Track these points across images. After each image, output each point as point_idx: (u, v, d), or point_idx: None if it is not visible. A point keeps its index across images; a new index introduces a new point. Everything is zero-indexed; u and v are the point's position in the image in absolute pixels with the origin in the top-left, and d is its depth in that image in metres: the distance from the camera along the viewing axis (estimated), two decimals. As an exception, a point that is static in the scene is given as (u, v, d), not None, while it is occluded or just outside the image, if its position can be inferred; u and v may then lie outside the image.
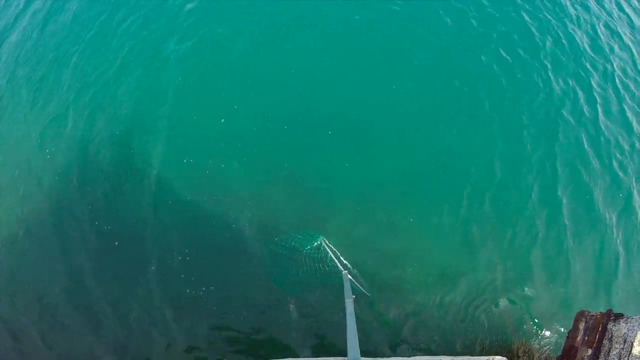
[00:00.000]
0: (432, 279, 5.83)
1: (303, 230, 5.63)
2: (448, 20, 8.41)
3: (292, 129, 6.76)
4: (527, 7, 9.10)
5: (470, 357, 3.24)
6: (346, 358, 2.45)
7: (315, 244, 5.37)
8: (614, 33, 9.41)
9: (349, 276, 4.58)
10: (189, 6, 8.17)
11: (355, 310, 3.30)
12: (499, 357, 3.09)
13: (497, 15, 8.71)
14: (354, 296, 3.65)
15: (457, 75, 7.74)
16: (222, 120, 6.86)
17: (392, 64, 7.66)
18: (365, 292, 5.34)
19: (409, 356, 4.41)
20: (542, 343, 5.63)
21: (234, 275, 5.60)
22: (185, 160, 6.51)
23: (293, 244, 5.54)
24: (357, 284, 5.19)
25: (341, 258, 5.27)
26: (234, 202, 6.10)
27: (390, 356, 4.90)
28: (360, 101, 7.15)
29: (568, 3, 9.51)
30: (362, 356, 4.63)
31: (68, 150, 6.67)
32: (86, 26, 8.11)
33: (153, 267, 5.65)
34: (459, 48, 8.12)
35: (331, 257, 5.13)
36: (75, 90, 7.27)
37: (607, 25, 9.49)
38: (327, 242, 5.31)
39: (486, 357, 3.14)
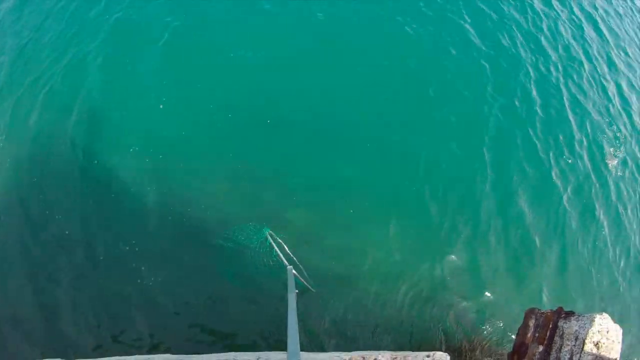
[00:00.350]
0: (379, 276, 5.63)
1: (251, 224, 5.41)
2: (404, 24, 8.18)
3: (241, 122, 6.35)
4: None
5: (411, 352, 2.85)
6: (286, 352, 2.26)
7: (263, 237, 5.22)
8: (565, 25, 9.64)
9: (294, 271, 4.44)
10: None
11: (297, 305, 3.19)
12: (440, 352, 2.76)
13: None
14: (296, 291, 3.55)
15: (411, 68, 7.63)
16: (161, 105, 6.26)
17: (352, 61, 7.37)
18: (310, 288, 5.13)
19: (350, 351, 4.00)
20: (492, 339, 5.46)
21: (183, 267, 5.26)
22: (131, 150, 5.89)
23: (240, 237, 5.35)
24: (301, 279, 4.96)
25: (287, 252, 5.08)
26: (182, 195, 5.69)
27: (332, 351, 4.53)
28: (312, 96, 6.85)
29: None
30: (303, 351, 4.21)
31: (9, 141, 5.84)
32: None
33: (101, 257, 5.18)
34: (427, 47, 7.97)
35: (276, 252, 4.95)
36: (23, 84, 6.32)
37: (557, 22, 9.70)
38: (274, 236, 5.14)
39: (426, 353, 2.75)
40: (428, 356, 2.88)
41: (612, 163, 7.81)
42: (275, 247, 4.95)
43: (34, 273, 4.98)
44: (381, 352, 3.22)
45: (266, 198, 5.85)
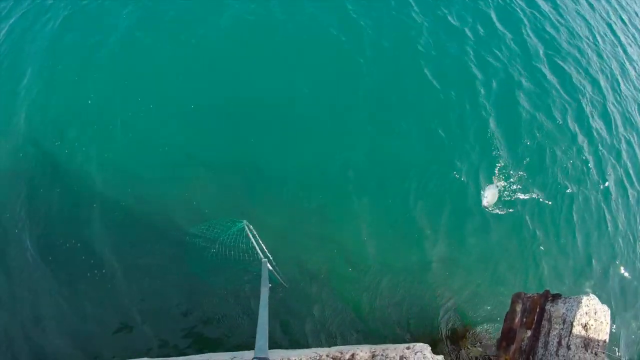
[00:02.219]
0: (356, 269, 5.41)
1: (225, 218, 5.14)
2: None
3: (207, 115, 6.06)
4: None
5: (390, 345, 2.63)
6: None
7: (239, 228, 4.91)
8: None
9: (268, 265, 4.22)
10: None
11: (271, 300, 3.02)
12: (420, 344, 2.56)
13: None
14: (270, 285, 3.35)
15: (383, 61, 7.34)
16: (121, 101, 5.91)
17: (327, 56, 7.07)
18: (283, 283, 4.92)
19: (329, 346, 3.76)
20: (480, 327, 5.32)
21: (153, 267, 4.97)
22: (85, 147, 5.53)
23: (213, 232, 5.10)
24: (275, 273, 4.75)
25: (262, 246, 4.82)
26: (150, 189, 5.40)
27: (311, 347, 4.30)
28: (285, 90, 6.55)
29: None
30: (280, 348, 3.95)
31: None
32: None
33: (66, 246, 4.86)
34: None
35: (252, 244, 4.72)
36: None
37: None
38: (250, 228, 4.86)
39: (406, 345, 2.54)
40: (408, 348, 2.66)
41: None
42: (252, 239, 4.73)
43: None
44: (360, 346, 2.99)
45: (238, 194, 5.59)
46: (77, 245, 4.85)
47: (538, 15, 9.63)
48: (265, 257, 4.45)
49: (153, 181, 5.46)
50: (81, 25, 6.61)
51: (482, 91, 7.49)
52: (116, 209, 5.15)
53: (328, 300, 5.05)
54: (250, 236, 4.71)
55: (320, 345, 4.43)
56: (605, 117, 8.57)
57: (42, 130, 5.61)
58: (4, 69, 6.04)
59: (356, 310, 5.07)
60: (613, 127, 8.47)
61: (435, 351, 2.84)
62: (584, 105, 8.35)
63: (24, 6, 6.69)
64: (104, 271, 4.77)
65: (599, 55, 9.91)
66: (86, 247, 4.87)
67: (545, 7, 10.00)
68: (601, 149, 7.87)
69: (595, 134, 8.00)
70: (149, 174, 5.48)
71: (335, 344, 4.39)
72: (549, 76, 8.46)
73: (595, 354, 3.56)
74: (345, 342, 4.48)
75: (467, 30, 8.30)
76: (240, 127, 6.05)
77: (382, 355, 2.74)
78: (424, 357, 2.54)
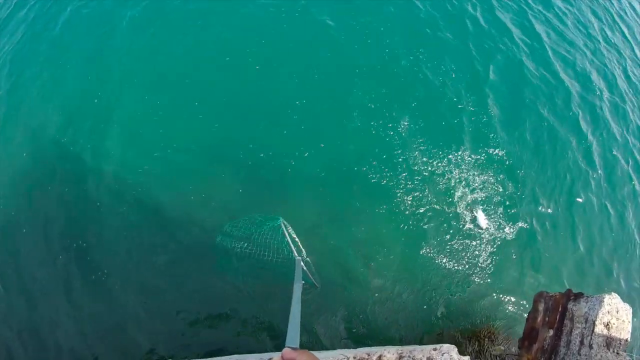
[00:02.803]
0: (384, 270, 5.52)
1: (259, 214, 5.17)
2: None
3: (247, 115, 6.25)
4: None
5: (417, 346, 2.77)
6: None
7: (275, 225, 4.88)
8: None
9: (302, 264, 4.24)
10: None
11: (302, 301, 2.91)
12: (447, 345, 2.67)
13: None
14: (302, 282, 3.42)
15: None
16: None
17: (349, 59, 7.25)
18: (316, 283, 4.95)
19: (355, 347, 3.93)
20: (503, 327, 5.38)
21: (184, 267, 5.18)
22: (118, 154, 5.85)
23: (245, 229, 5.07)
24: (309, 274, 4.78)
25: (298, 244, 4.85)
26: (183, 189, 5.62)
27: (338, 348, 4.45)
28: (319, 88, 6.71)
29: None
30: (308, 349, 4.08)
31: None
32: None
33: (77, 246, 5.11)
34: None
35: (288, 241, 4.66)
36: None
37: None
38: (287, 225, 4.82)
39: (433, 346, 2.68)
40: (435, 349, 2.81)
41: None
42: (287, 237, 4.67)
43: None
44: (387, 347, 3.16)
45: (271, 193, 5.70)
46: (87, 245, 5.13)
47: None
48: (299, 256, 4.46)
49: (172, 180, 5.65)
50: (89, 21, 7.06)
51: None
52: (133, 209, 5.39)
53: (356, 302, 5.17)
54: (286, 234, 4.66)
55: (347, 346, 4.58)
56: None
57: (52, 127, 5.97)
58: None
59: (383, 312, 5.18)
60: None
61: (459, 351, 2.98)
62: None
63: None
64: (116, 273, 5.00)
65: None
66: (97, 248, 5.12)
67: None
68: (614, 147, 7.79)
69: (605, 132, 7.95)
70: (166, 173, 5.69)
71: (364, 346, 4.54)
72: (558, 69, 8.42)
73: (617, 353, 3.64)
74: (373, 344, 4.62)
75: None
76: (268, 125, 6.19)
77: (409, 356, 2.91)
78: (450, 358, 2.69)
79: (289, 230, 4.74)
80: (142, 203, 5.50)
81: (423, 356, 2.80)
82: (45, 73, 6.53)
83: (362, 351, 3.10)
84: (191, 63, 6.73)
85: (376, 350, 3.07)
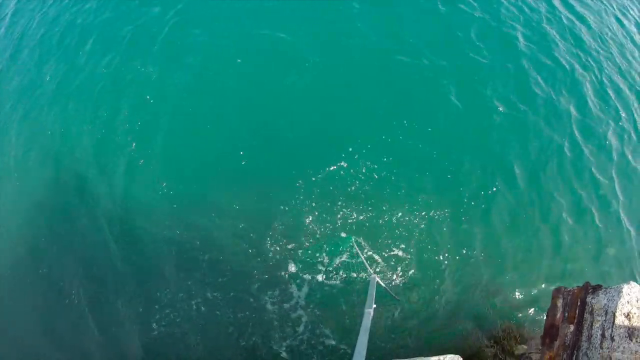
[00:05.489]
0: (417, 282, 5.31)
1: (330, 237, 5.15)
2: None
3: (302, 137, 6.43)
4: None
5: (422, 358, 2.78)
6: None
7: (347, 246, 4.92)
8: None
9: (379, 280, 4.15)
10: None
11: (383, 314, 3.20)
12: (451, 355, 2.66)
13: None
14: (374, 306, 3.40)
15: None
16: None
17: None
18: (395, 296, 4.82)
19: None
20: (523, 326, 5.28)
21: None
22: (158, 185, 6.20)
23: (322, 252, 5.07)
24: (387, 288, 4.65)
25: (366, 261, 4.73)
26: (227, 217, 5.81)
27: None
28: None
29: None
30: None
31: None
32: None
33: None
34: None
35: (362, 259, 4.66)
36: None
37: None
38: (360, 243, 4.84)
39: (437, 357, 2.68)
40: (439, 360, 2.83)
41: None
42: (361, 255, 4.65)
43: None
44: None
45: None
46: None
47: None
48: (373, 272, 4.41)
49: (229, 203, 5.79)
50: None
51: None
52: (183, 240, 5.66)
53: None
54: (359, 252, 4.64)
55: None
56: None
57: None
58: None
59: (413, 321, 5.02)
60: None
61: (481, 356, 2.95)
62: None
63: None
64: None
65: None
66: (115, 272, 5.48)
67: None
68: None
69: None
70: (223, 195, 5.89)
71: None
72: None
73: None
74: (406, 355, 4.47)
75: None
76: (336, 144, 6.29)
77: (414, 367, 2.92)
78: (455, 368, 2.70)
79: (362, 248, 4.74)
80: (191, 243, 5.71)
81: (426, 367, 2.81)
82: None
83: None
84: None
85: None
